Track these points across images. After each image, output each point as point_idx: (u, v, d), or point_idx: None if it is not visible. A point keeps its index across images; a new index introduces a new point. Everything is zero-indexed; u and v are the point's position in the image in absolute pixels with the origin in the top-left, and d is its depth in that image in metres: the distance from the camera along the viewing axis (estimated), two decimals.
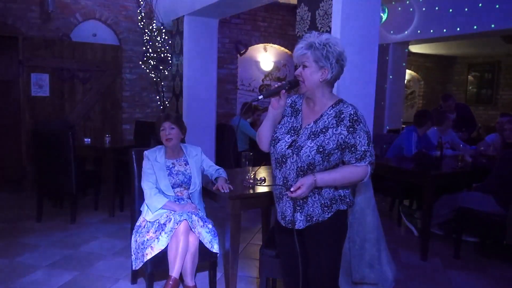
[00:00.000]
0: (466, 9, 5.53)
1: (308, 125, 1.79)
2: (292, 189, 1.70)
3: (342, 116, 1.73)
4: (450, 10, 5.74)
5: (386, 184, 4.46)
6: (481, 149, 4.36)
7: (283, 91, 1.77)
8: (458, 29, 5.66)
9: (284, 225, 1.85)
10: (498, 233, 3.42)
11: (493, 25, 5.22)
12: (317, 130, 1.75)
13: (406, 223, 4.25)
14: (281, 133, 1.84)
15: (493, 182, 3.52)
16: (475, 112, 7.17)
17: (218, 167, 2.84)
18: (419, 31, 6.26)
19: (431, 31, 6.06)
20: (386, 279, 2.62)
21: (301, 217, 1.78)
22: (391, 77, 6.79)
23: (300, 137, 1.77)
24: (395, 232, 4.38)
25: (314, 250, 1.83)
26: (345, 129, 1.71)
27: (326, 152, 1.71)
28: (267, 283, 2.50)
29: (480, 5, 5.35)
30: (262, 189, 2.62)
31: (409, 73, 9.68)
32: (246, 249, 3.65)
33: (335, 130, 1.72)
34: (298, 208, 1.78)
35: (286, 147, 1.78)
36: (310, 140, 1.73)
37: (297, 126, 1.82)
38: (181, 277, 2.50)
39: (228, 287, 2.58)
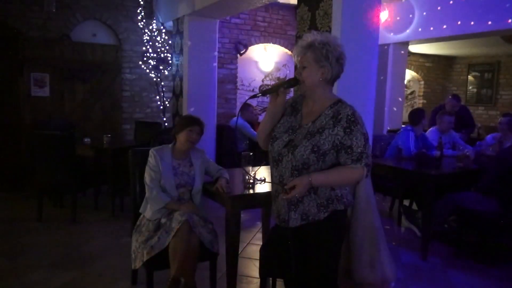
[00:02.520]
0: (466, 9, 5.53)
1: (306, 124, 1.79)
2: (286, 187, 1.69)
3: (340, 116, 1.72)
4: (450, 10, 5.74)
5: (386, 184, 4.46)
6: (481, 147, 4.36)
7: (281, 89, 1.79)
8: (458, 29, 5.66)
9: (278, 223, 1.86)
10: (498, 233, 3.42)
11: (492, 25, 5.21)
12: (313, 130, 1.74)
13: (408, 223, 4.24)
14: (279, 132, 1.84)
15: (492, 183, 3.52)
16: (475, 112, 7.18)
17: (220, 167, 2.84)
18: (419, 31, 6.26)
19: (431, 31, 6.06)
20: (386, 279, 2.63)
21: (295, 215, 1.78)
22: (390, 77, 6.79)
23: (297, 136, 1.78)
24: (395, 232, 4.38)
25: (310, 250, 1.82)
26: (342, 130, 1.70)
27: (321, 152, 1.70)
28: (267, 283, 2.50)
29: (480, 5, 5.35)
30: (262, 189, 2.62)
31: (409, 73, 9.68)
32: (246, 249, 3.65)
33: (332, 131, 1.71)
34: (293, 207, 1.78)
35: (283, 145, 1.79)
36: (306, 139, 1.73)
37: (296, 126, 1.83)
38: (181, 277, 2.49)
39: (228, 287, 2.58)
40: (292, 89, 2.13)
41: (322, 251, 1.82)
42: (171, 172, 2.68)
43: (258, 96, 1.86)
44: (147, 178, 2.67)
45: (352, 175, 1.75)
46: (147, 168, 2.69)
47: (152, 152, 2.71)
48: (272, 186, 1.88)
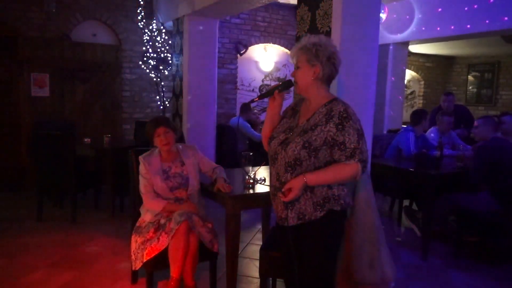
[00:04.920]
0: (466, 9, 5.53)
1: (302, 123, 1.84)
2: (283, 190, 1.76)
3: (332, 113, 1.75)
4: (450, 10, 5.74)
5: (386, 184, 4.46)
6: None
7: (276, 91, 1.89)
8: (458, 29, 5.66)
9: (278, 222, 1.91)
10: (498, 233, 3.42)
11: (493, 25, 5.21)
12: (307, 127, 1.78)
13: (409, 223, 4.24)
14: (277, 132, 1.91)
15: (476, 179, 3.52)
16: (475, 112, 7.18)
17: (216, 166, 2.82)
18: (419, 31, 6.26)
19: (431, 31, 6.06)
20: (386, 279, 2.62)
21: (292, 214, 1.81)
22: (391, 78, 6.79)
23: (292, 134, 1.83)
24: (395, 232, 4.38)
25: (306, 249, 1.83)
26: (334, 126, 1.72)
27: (312, 148, 1.73)
28: (267, 283, 2.50)
29: (480, 5, 5.34)
30: (262, 189, 2.62)
31: (409, 73, 9.68)
32: (246, 249, 3.65)
33: (324, 127, 1.74)
34: (289, 205, 1.81)
35: (278, 144, 1.84)
36: (299, 136, 1.77)
37: (293, 125, 1.88)
38: (181, 277, 2.49)
39: (228, 287, 2.58)
40: (292, 93, 2.19)
41: (318, 251, 1.82)
42: (162, 176, 2.66)
43: (256, 101, 1.96)
44: (140, 185, 2.66)
45: (346, 172, 1.75)
46: (139, 176, 2.67)
47: (140, 159, 2.67)
48: (271, 185, 1.94)
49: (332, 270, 1.90)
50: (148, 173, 2.63)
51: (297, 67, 1.84)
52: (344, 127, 1.72)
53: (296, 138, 1.77)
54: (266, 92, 1.91)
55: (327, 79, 1.83)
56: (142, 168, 2.66)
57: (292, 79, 1.88)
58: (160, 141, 2.66)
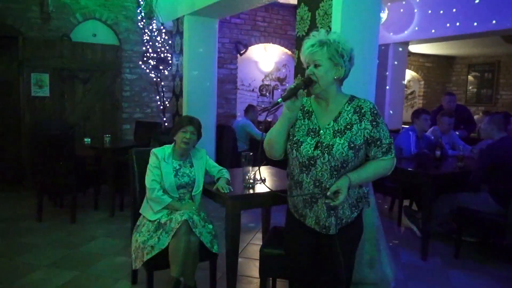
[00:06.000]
0: (466, 9, 5.54)
1: (328, 124, 1.75)
2: (328, 194, 1.66)
3: (363, 111, 1.72)
4: (450, 10, 5.74)
5: (386, 184, 4.46)
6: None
7: (301, 90, 1.71)
8: (458, 29, 5.67)
9: (318, 230, 1.77)
10: (498, 233, 3.42)
11: (493, 25, 5.22)
12: (340, 128, 1.72)
13: (410, 224, 4.24)
14: (301, 135, 1.77)
15: (477, 179, 3.52)
16: (475, 113, 7.19)
17: (221, 168, 2.84)
18: (419, 31, 6.26)
19: (431, 31, 6.07)
20: (386, 279, 2.63)
21: (335, 221, 1.74)
22: (390, 77, 6.79)
23: (323, 137, 1.72)
24: (395, 232, 4.38)
25: (345, 252, 1.79)
26: (369, 123, 1.71)
27: (357, 147, 1.69)
28: (267, 283, 2.50)
29: (480, 5, 5.35)
30: (262, 189, 2.62)
31: (409, 73, 9.69)
32: (246, 249, 3.65)
33: (360, 126, 1.71)
34: (332, 212, 1.73)
35: (312, 148, 1.72)
36: (338, 137, 1.70)
37: (315, 128, 1.77)
38: (181, 277, 2.49)
39: (228, 287, 2.57)
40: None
41: (350, 251, 1.83)
42: (172, 173, 2.68)
43: (280, 103, 1.70)
44: (148, 178, 2.66)
45: (385, 168, 1.78)
46: (148, 169, 2.68)
47: (153, 152, 2.70)
48: (302, 195, 1.78)
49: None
50: (159, 167, 2.65)
51: (316, 64, 1.71)
52: (378, 123, 1.72)
53: (336, 140, 1.68)
54: (289, 93, 1.69)
55: (344, 79, 1.80)
56: (153, 161, 2.67)
57: (312, 77, 1.72)
58: (182, 137, 2.69)
